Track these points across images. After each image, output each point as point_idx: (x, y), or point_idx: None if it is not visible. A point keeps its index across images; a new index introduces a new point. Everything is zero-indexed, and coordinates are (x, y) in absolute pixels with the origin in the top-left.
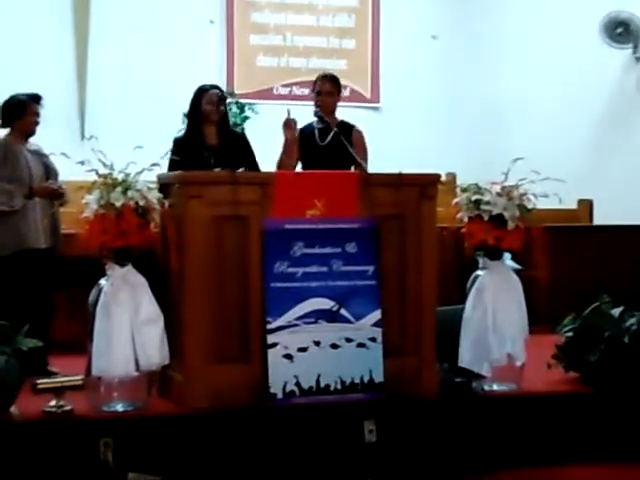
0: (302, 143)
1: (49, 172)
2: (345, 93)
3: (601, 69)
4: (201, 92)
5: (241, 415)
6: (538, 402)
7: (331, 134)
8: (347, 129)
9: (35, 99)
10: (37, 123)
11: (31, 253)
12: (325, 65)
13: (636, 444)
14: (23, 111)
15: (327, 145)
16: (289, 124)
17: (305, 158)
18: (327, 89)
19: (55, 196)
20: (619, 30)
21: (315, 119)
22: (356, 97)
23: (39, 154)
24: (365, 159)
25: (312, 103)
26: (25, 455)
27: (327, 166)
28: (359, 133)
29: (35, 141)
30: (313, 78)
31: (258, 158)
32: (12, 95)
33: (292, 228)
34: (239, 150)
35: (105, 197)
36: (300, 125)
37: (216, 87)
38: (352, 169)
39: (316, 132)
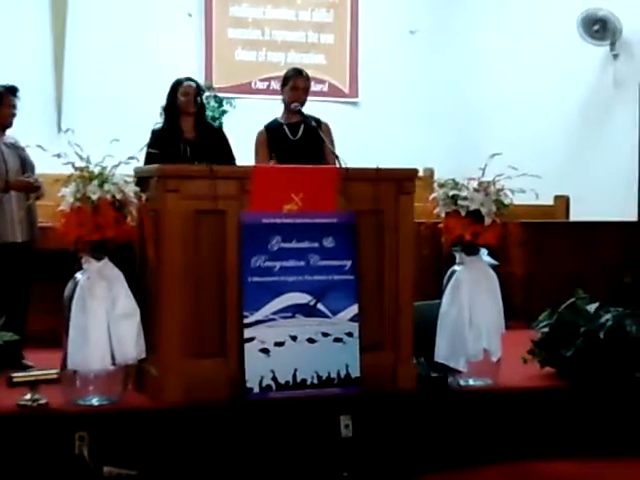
0: (271, 140)
1: (25, 165)
2: (324, 88)
3: (579, 66)
4: (177, 85)
5: (217, 409)
6: (514, 397)
7: (301, 129)
8: (315, 123)
9: (11, 91)
10: (13, 115)
11: (7, 247)
12: (303, 60)
13: (610, 439)
14: None
15: (299, 140)
16: None
17: (277, 155)
18: (303, 85)
19: (31, 190)
20: (596, 27)
21: (280, 114)
22: (334, 92)
23: (15, 147)
24: None
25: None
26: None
27: (299, 161)
28: (327, 126)
29: (11, 133)
30: None
31: (235, 152)
32: None
33: (269, 222)
34: (216, 144)
35: (81, 190)
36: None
37: (191, 80)
38: (323, 163)
39: (285, 128)
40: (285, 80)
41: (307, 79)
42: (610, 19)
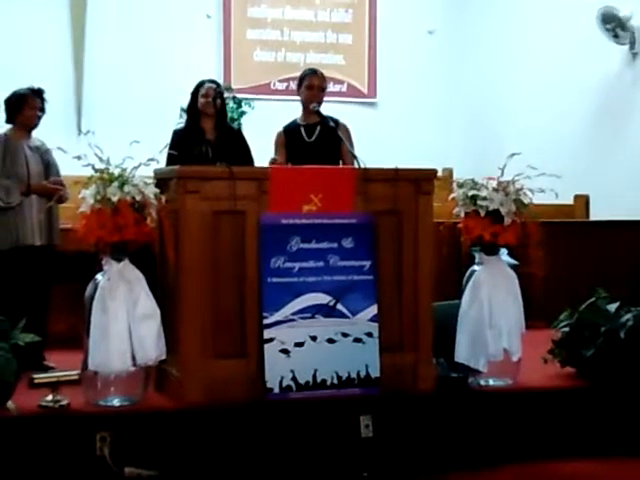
0: (288, 141)
1: (49, 169)
2: (342, 88)
3: (598, 64)
4: (198, 86)
5: (237, 410)
6: (534, 397)
7: (317, 130)
8: (334, 124)
9: (36, 93)
10: (38, 116)
11: (26, 250)
12: (322, 60)
13: (631, 439)
14: (23, 104)
15: (314, 142)
16: None
17: (292, 155)
18: (318, 83)
19: (52, 194)
20: (610, 25)
21: (299, 116)
22: (353, 92)
23: (40, 150)
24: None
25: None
26: (21, 450)
27: (315, 163)
28: (346, 127)
29: (36, 135)
30: None
31: (255, 153)
32: (15, 90)
33: (289, 223)
34: (235, 146)
35: (102, 192)
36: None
37: (213, 82)
38: (340, 165)
39: (302, 129)
40: (300, 81)
41: (322, 78)
42: (627, 18)
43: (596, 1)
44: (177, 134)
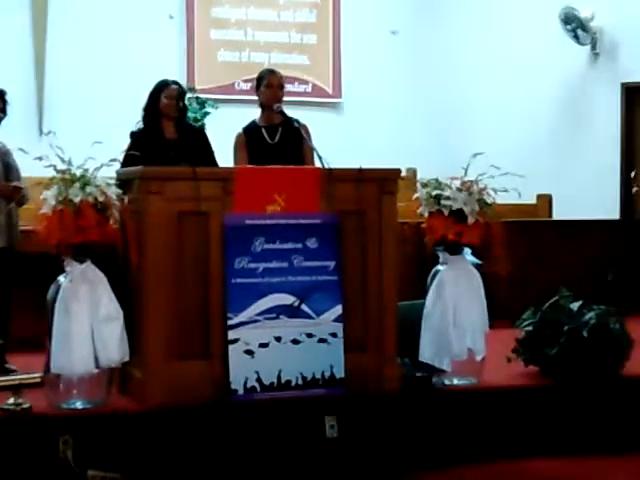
0: (249, 143)
1: (9, 170)
2: (307, 89)
3: (561, 65)
4: (161, 86)
5: (202, 411)
6: (498, 396)
7: (279, 132)
8: (294, 124)
9: None
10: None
11: None
12: (287, 60)
13: (594, 437)
14: None
15: (277, 143)
16: None
17: (254, 157)
18: (277, 82)
19: (14, 195)
20: (572, 26)
21: (257, 117)
22: (318, 92)
23: (0, 152)
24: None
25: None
26: None
27: (279, 164)
28: (306, 128)
29: None
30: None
31: (218, 153)
32: None
33: (253, 224)
34: (198, 145)
35: (63, 193)
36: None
37: (176, 83)
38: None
39: (263, 130)
40: (259, 81)
41: (280, 76)
42: (589, 19)
43: (558, 3)
44: (135, 136)
